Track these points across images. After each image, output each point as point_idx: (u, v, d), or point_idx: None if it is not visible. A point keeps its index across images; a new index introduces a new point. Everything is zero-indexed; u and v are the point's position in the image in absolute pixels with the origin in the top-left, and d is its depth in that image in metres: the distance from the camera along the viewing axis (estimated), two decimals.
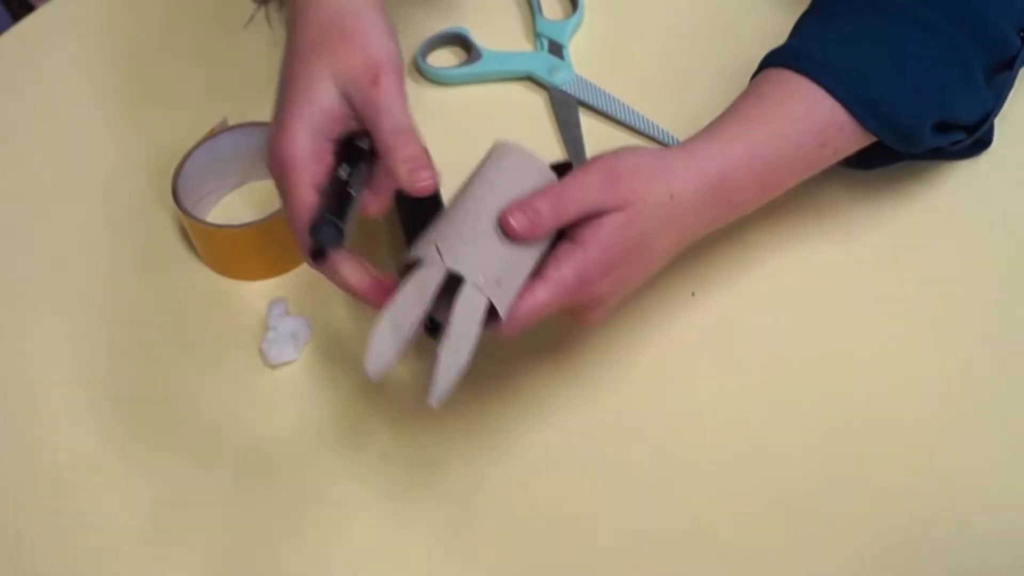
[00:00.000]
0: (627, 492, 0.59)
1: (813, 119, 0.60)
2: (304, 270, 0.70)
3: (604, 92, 0.77)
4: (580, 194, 0.54)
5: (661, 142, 0.74)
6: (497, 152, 0.56)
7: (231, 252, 0.69)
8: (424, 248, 0.53)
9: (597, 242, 0.54)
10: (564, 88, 0.77)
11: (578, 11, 0.81)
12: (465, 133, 0.75)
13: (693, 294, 0.66)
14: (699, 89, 0.74)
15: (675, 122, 0.74)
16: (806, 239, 0.68)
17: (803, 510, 0.58)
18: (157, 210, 0.75)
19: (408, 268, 0.54)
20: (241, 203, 0.74)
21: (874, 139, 0.62)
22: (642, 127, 0.75)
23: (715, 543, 0.57)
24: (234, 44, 0.84)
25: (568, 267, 0.54)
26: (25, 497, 0.63)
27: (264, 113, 0.74)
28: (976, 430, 0.60)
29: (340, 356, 0.66)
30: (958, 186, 0.69)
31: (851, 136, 0.61)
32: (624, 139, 0.75)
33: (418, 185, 0.54)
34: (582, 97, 0.77)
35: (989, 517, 0.57)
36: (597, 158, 0.56)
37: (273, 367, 0.66)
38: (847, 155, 0.63)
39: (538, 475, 0.61)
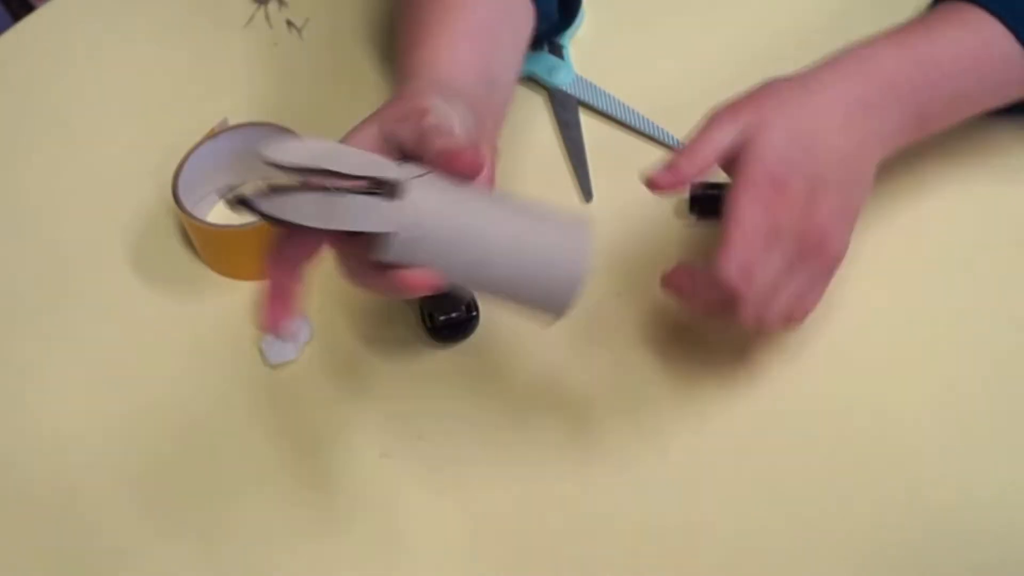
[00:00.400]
0: (629, 490, 0.60)
1: (970, 27, 0.60)
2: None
3: (604, 92, 0.77)
4: (756, 245, 0.54)
5: (662, 143, 0.74)
6: None
7: (231, 252, 0.70)
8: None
9: (748, 154, 0.55)
10: (564, 88, 0.77)
11: (580, 15, 0.82)
12: None
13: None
14: (701, 89, 0.74)
15: (677, 122, 0.74)
16: None
17: (807, 511, 0.58)
18: (157, 210, 0.75)
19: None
20: None
21: None
22: (643, 127, 0.75)
23: (718, 541, 0.58)
24: (234, 44, 0.84)
25: (741, 192, 0.55)
26: (24, 497, 0.63)
27: (264, 112, 0.74)
28: (984, 429, 0.60)
29: (340, 356, 0.67)
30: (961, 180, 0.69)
31: (1013, 52, 0.60)
32: (625, 139, 0.75)
33: (465, 158, 0.49)
34: (582, 97, 0.77)
35: (992, 517, 0.57)
36: (746, 156, 0.56)
37: (273, 367, 0.66)
38: (1014, 81, 0.62)
39: (540, 474, 0.61)
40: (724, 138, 0.57)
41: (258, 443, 0.64)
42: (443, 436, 0.63)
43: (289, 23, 0.85)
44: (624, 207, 0.70)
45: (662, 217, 0.70)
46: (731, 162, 0.57)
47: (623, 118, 0.76)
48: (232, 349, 0.67)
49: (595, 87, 0.77)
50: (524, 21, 0.67)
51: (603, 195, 0.72)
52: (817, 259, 0.56)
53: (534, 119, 0.77)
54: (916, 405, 0.61)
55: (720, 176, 0.61)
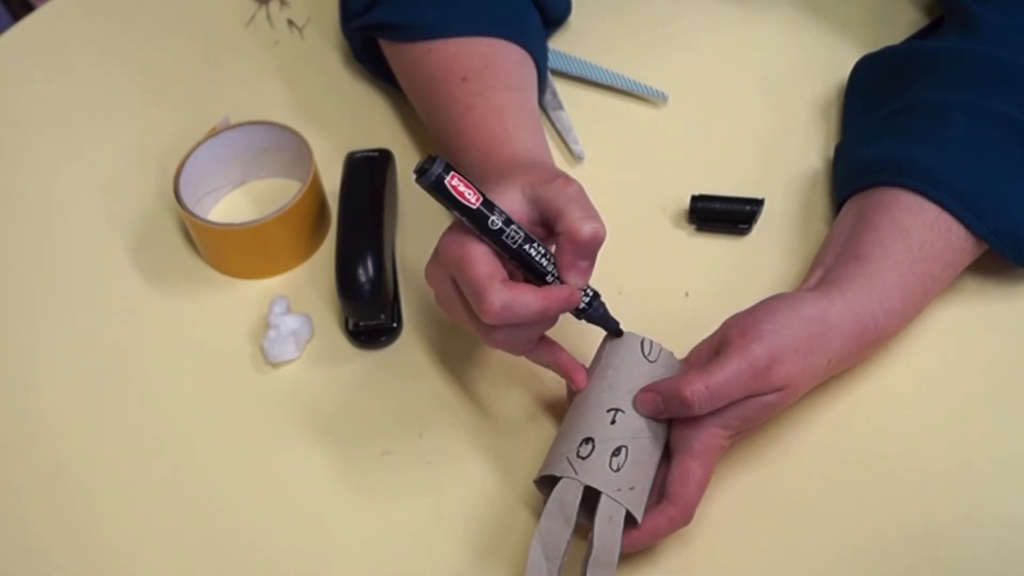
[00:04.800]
0: None
1: (952, 252, 0.61)
2: (304, 268, 0.71)
3: (573, 57, 0.78)
4: (732, 388, 0.54)
5: (640, 95, 0.76)
6: (611, 344, 0.58)
7: (232, 250, 0.70)
8: (557, 463, 0.55)
9: (739, 415, 0.55)
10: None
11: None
12: (418, 124, 0.77)
13: (687, 295, 0.66)
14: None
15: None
16: (802, 221, 0.68)
17: (803, 506, 0.58)
18: (158, 209, 0.75)
19: (543, 482, 0.56)
20: (243, 201, 0.74)
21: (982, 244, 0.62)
22: (618, 83, 0.77)
23: (716, 541, 0.58)
24: (236, 43, 0.84)
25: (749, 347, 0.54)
26: (27, 496, 0.63)
27: (265, 111, 0.74)
28: (982, 431, 0.60)
29: (342, 355, 0.67)
30: None
31: (971, 255, 0.62)
32: (605, 101, 0.77)
33: (591, 230, 0.55)
34: (554, 64, 0.78)
35: (991, 515, 0.57)
36: (745, 333, 0.56)
37: (274, 366, 0.66)
38: (965, 259, 0.63)
39: (535, 474, 0.61)
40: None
41: (258, 441, 0.64)
42: (444, 435, 0.63)
43: (290, 23, 0.85)
44: (624, 209, 0.71)
45: (662, 225, 0.70)
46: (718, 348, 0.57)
47: (595, 77, 0.77)
48: (233, 347, 0.67)
49: (564, 55, 0.79)
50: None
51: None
52: (767, 394, 0.56)
53: None
54: (921, 405, 0.61)
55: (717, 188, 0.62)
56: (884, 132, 0.66)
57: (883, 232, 0.60)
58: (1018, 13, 0.65)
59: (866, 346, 0.59)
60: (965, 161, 0.61)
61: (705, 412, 0.54)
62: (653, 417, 0.55)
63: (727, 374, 0.54)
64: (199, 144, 0.71)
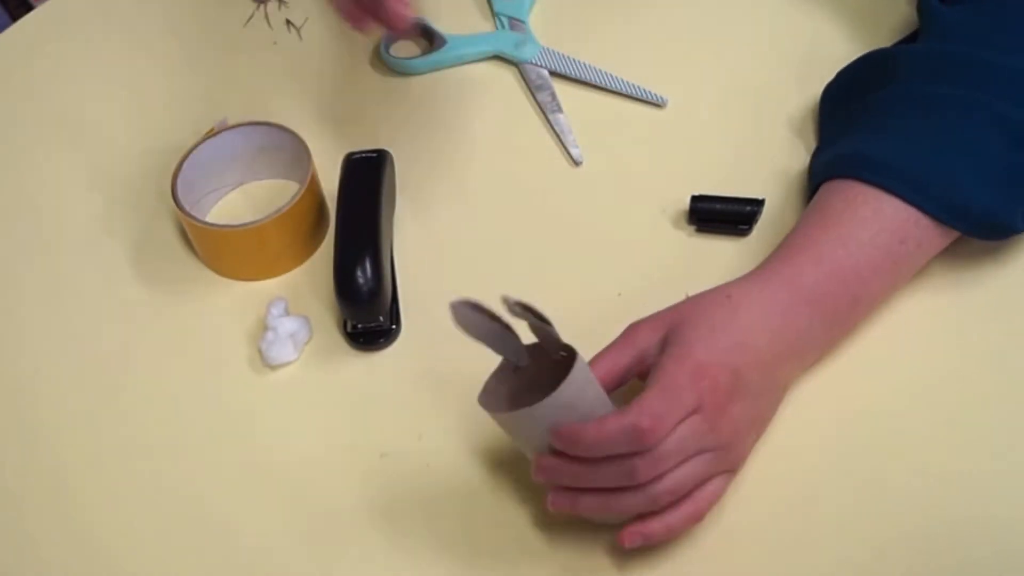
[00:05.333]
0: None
1: (880, 222, 0.59)
2: (302, 270, 0.71)
3: (573, 59, 0.78)
4: (674, 408, 0.52)
5: (639, 99, 0.76)
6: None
7: (230, 252, 0.69)
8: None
9: (671, 344, 0.55)
10: (533, 61, 0.79)
11: None
12: (440, 119, 0.77)
13: (687, 295, 0.66)
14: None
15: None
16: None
17: (804, 503, 0.58)
18: (157, 210, 0.75)
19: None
20: (241, 203, 0.74)
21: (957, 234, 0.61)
22: (617, 87, 0.77)
23: (717, 541, 0.58)
24: (234, 43, 0.84)
25: (652, 388, 0.53)
26: (26, 498, 0.63)
27: (264, 112, 0.74)
28: (980, 426, 0.60)
29: (340, 356, 0.67)
30: None
31: (931, 230, 0.60)
32: (603, 102, 0.77)
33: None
34: (553, 67, 0.78)
35: (990, 512, 0.57)
36: (671, 342, 0.55)
37: (272, 368, 0.66)
38: (934, 251, 0.62)
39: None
40: (641, 345, 0.56)
41: (257, 443, 0.64)
42: (443, 437, 0.63)
43: (288, 23, 0.85)
44: (623, 210, 0.71)
45: (662, 226, 0.70)
46: (649, 367, 0.56)
47: (594, 80, 0.77)
48: (231, 350, 0.67)
49: (563, 56, 0.79)
50: None
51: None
52: (722, 456, 0.55)
53: (510, 96, 0.78)
54: (919, 400, 0.61)
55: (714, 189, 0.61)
56: (833, 136, 0.68)
57: (803, 216, 0.62)
58: (976, 9, 0.65)
59: (795, 313, 0.57)
60: (904, 143, 0.61)
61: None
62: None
63: (665, 393, 0.53)
64: (197, 145, 0.71)
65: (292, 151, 0.71)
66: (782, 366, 0.58)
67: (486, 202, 0.72)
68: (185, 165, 0.70)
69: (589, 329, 0.64)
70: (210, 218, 0.72)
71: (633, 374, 0.57)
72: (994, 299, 0.64)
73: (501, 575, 0.58)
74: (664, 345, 0.56)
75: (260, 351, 0.66)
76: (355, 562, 0.59)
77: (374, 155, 0.70)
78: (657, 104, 0.76)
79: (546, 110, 0.76)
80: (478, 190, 0.73)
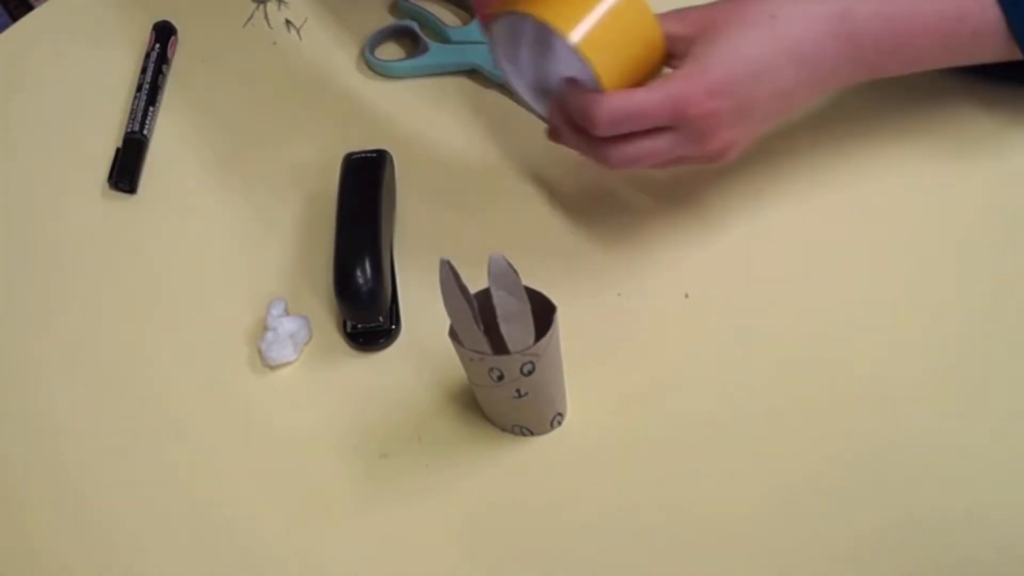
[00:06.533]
0: (625, 493, 0.60)
1: (965, 20, 0.58)
2: (302, 270, 0.71)
3: None
4: (655, 117, 0.55)
5: None
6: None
7: None
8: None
9: (691, 57, 0.55)
10: None
11: None
12: (441, 119, 0.76)
13: (687, 296, 0.66)
14: None
15: None
16: (799, 223, 0.68)
17: (804, 503, 0.58)
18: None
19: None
20: None
21: (1015, 49, 0.59)
22: None
23: (716, 539, 0.58)
24: (233, 43, 0.84)
25: (669, 83, 0.55)
26: (26, 498, 0.63)
27: (263, 112, 0.74)
28: (981, 421, 0.60)
29: (340, 357, 0.67)
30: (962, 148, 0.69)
31: (991, 26, 0.58)
32: None
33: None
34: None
35: (991, 498, 0.57)
36: (694, 50, 0.56)
37: (272, 368, 0.66)
38: (983, 53, 0.60)
39: (535, 476, 0.61)
40: (670, 30, 0.57)
41: (257, 444, 0.64)
42: (443, 437, 0.62)
43: (288, 23, 0.85)
44: (622, 209, 0.71)
45: (663, 221, 0.70)
46: (673, 56, 0.57)
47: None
48: (230, 349, 0.67)
49: None
50: None
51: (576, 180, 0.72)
52: (700, 162, 0.58)
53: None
54: (918, 387, 0.61)
55: None
56: None
57: None
58: None
59: (829, 23, 0.57)
60: None
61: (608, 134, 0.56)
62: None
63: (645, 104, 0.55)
64: None
65: None
66: (799, 94, 0.58)
67: (486, 202, 0.72)
68: None
69: (589, 329, 0.65)
70: None
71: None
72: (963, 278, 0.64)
73: (502, 574, 0.58)
74: (689, 46, 0.56)
75: (260, 351, 0.66)
76: (355, 562, 0.59)
77: (374, 155, 0.70)
78: None
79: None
80: (478, 190, 0.73)
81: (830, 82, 0.59)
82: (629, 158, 0.57)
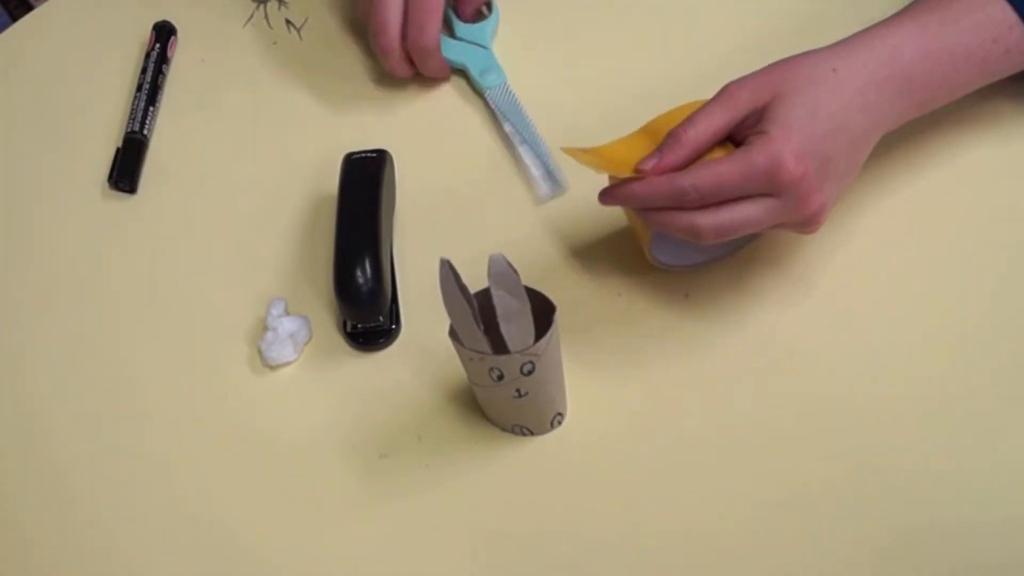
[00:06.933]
0: (624, 494, 0.60)
1: (982, 14, 0.61)
2: (302, 270, 0.71)
3: (520, 108, 0.75)
4: (744, 186, 0.56)
5: (537, 175, 0.72)
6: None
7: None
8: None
9: (770, 123, 0.56)
10: (495, 89, 0.76)
11: (494, 12, 0.80)
12: (441, 119, 0.77)
13: (687, 295, 0.66)
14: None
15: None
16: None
17: (803, 506, 0.58)
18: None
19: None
20: None
21: None
22: (532, 152, 0.73)
23: (716, 539, 0.58)
24: (233, 43, 0.84)
25: (756, 150, 0.55)
26: (26, 498, 0.63)
27: (262, 112, 0.74)
28: (982, 422, 0.60)
29: (340, 357, 0.67)
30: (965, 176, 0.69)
31: (1020, 42, 0.62)
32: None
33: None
34: (501, 107, 0.75)
35: (991, 507, 0.57)
36: (770, 117, 0.57)
37: (272, 368, 0.66)
38: (1013, 67, 0.63)
39: (535, 476, 0.61)
40: (741, 108, 0.58)
41: (257, 444, 0.64)
42: (442, 437, 0.62)
43: (288, 22, 0.85)
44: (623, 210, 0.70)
45: None
46: (743, 132, 0.58)
47: (523, 135, 0.73)
48: (230, 349, 0.67)
49: (513, 99, 0.76)
50: None
51: (576, 183, 0.71)
52: (797, 230, 0.59)
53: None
54: (917, 396, 0.61)
55: None
56: None
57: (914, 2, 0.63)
58: None
59: (882, 69, 0.59)
60: None
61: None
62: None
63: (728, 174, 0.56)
64: None
65: None
66: (869, 141, 0.60)
67: (486, 202, 0.72)
68: None
69: (589, 329, 0.65)
70: None
71: (726, 136, 0.59)
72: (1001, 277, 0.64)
73: (502, 574, 0.58)
74: (763, 114, 0.57)
75: (260, 351, 0.66)
76: (355, 562, 0.59)
77: (374, 155, 0.70)
78: (549, 196, 0.71)
79: (512, 140, 0.74)
80: (478, 190, 0.73)
81: (889, 124, 0.61)
82: (724, 226, 0.57)
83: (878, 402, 0.61)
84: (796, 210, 0.57)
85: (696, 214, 0.57)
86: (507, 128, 0.74)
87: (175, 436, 0.65)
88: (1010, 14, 0.61)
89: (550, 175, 0.72)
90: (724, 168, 0.56)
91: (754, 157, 0.55)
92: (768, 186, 0.56)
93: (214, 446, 0.64)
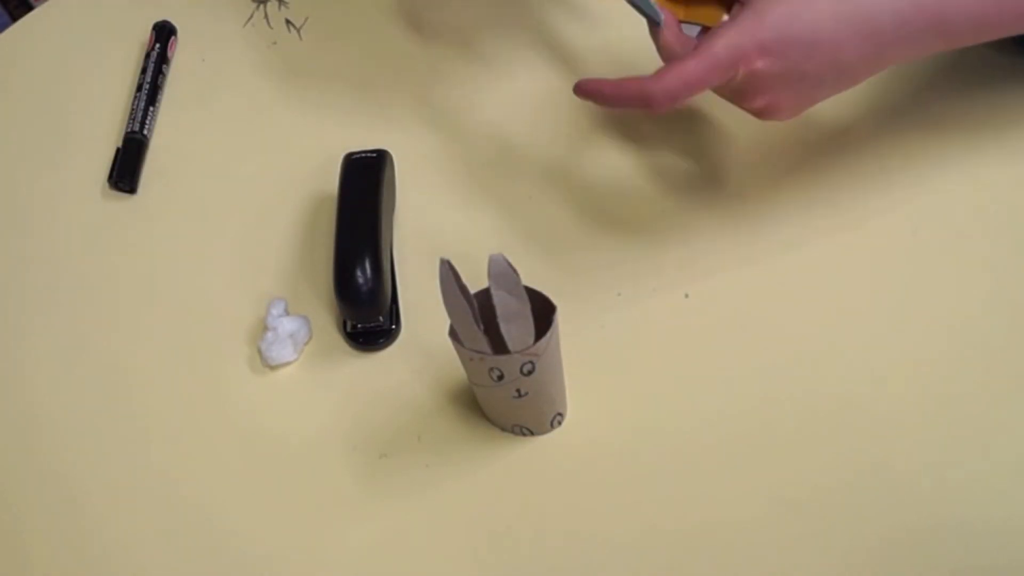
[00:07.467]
0: (624, 494, 0.60)
1: None
2: (302, 270, 0.71)
3: None
4: (707, 82, 0.55)
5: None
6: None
7: None
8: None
9: (754, 16, 0.54)
10: None
11: None
12: (441, 119, 0.76)
13: (687, 296, 0.66)
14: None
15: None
16: (800, 225, 0.68)
17: (803, 506, 0.58)
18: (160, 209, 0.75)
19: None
20: None
21: None
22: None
23: (715, 540, 0.58)
24: (234, 43, 0.84)
25: (720, 40, 0.54)
26: (25, 497, 0.63)
27: (262, 112, 0.74)
28: (980, 422, 0.60)
29: (340, 357, 0.67)
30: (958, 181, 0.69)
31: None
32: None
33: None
34: None
35: (989, 509, 0.57)
36: (746, 8, 0.56)
37: (272, 368, 0.66)
38: (1014, 23, 0.58)
39: (535, 476, 0.61)
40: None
41: (257, 444, 0.64)
42: (442, 438, 0.62)
43: (288, 22, 0.85)
44: (617, 211, 0.71)
45: (663, 222, 0.70)
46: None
47: None
48: (230, 350, 0.67)
49: None
50: None
51: (577, 182, 0.71)
52: (746, 110, 0.58)
53: (506, 95, 0.77)
54: (916, 397, 0.61)
55: None
56: None
57: None
58: None
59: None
60: None
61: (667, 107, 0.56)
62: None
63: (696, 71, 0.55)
64: None
65: None
66: (862, 69, 0.57)
67: (486, 201, 0.72)
68: None
69: (589, 329, 0.65)
70: None
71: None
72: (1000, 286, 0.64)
73: (502, 574, 0.58)
74: (745, 7, 0.56)
75: (260, 351, 0.66)
76: (355, 562, 0.59)
77: (374, 155, 0.70)
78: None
79: None
80: (478, 189, 0.73)
81: (900, 58, 0.57)
82: (671, 92, 0.56)
83: (878, 402, 0.61)
84: (738, 99, 0.56)
85: (648, 80, 0.56)
86: None
87: (175, 436, 0.65)
88: None
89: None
90: (690, 69, 0.55)
91: (717, 50, 0.55)
92: (732, 74, 0.55)
93: (214, 446, 0.64)
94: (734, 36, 0.55)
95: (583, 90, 0.60)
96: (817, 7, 0.55)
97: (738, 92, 0.57)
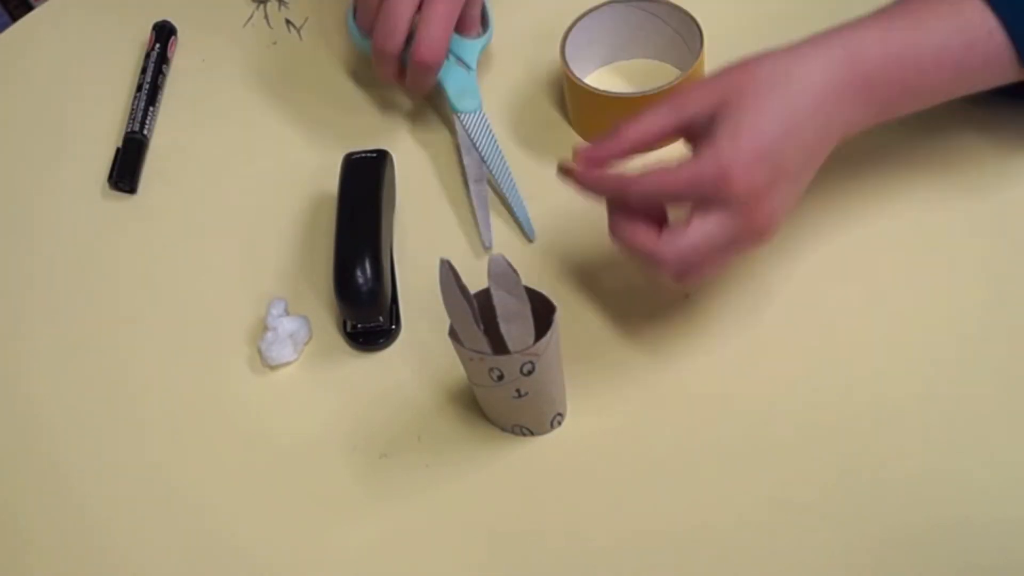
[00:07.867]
0: (624, 494, 0.60)
1: (958, 18, 0.58)
2: (302, 270, 0.71)
3: (495, 142, 0.73)
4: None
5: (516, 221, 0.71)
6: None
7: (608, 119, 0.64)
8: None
9: (720, 129, 0.54)
10: (469, 115, 0.74)
11: (488, 30, 0.77)
12: (441, 119, 0.76)
13: (687, 296, 0.66)
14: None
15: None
16: (801, 226, 0.68)
17: (803, 506, 0.58)
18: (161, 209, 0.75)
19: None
20: (609, 78, 0.76)
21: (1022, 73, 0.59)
22: (505, 199, 0.71)
23: (715, 540, 0.58)
24: (234, 43, 0.84)
25: (703, 158, 0.54)
26: (25, 497, 0.63)
27: (262, 112, 0.74)
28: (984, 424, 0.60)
29: (340, 357, 0.67)
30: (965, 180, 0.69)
31: (1000, 50, 0.58)
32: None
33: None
34: (474, 137, 0.73)
35: (991, 510, 0.57)
36: (720, 123, 0.56)
37: (272, 368, 0.66)
38: (994, 79, 0.60)
39: (535, 476, 0.61)
40: (688, 111, 0.57)
41: (257, 444, 0.64)
42: (442, 438, 0.62)
43: (288, 22, 0.85)
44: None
45: None
46: (695, 136, 0.57)
47: (496, 175, 0.72)
48: (230, 349, 0.67)
49: (488, 130, 0.73)
50: None
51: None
52: (751, 241, 0.57)
53: (504, 96, 0.77)
54: (919, 398, 0.61)
55: None
56: None
57: (891, 7, 0.59)
58: None
59: (841, 72, 0.57)
60: None
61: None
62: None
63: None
64: (586, 14, 0.72)
65: (671, 33, 0.72)
66: (821, 147, 0.57)
67: None
68: (571, 34, 0.72)
69: (589, 329, 0.65)
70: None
71: (672, 138, 0.58)
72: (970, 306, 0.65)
73: (502, 574, 0.58)
74: (713, 120, 0.56)
75: (260, 351, 0.66)
76: (355, 562, 0.59)
77: (374, 155, 0.70)
78: (528, 239, 0.70)
79: (468, 176, 0.72)
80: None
81: (847, 130, 0.58)
82: (686, 251, 0.56)
83: (879, 402, 0.61)
84: (746, 219, 0.55)
85: (660, 242, 0.56)
86: (466, 161, 0.72)
87: (175, 436, 0.65)
88: (989, 18, 0.57)
89: (517, 218, 0.70)
90: (671, 176, 0.55)
91: (701, 167, 0.54)
92: (715, 195, 0.54)
93: (214, 446, 0.64)
94: (716, 157, 0.54)
95: (562, 174, 0.59)
96: (777, 103, 0.56)
97: (743, 212, 0.55)
